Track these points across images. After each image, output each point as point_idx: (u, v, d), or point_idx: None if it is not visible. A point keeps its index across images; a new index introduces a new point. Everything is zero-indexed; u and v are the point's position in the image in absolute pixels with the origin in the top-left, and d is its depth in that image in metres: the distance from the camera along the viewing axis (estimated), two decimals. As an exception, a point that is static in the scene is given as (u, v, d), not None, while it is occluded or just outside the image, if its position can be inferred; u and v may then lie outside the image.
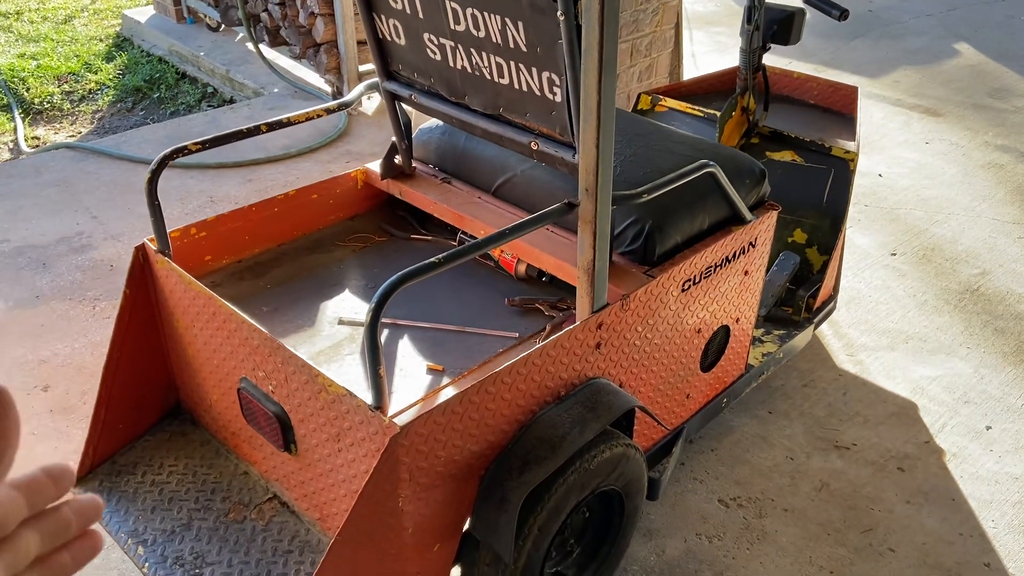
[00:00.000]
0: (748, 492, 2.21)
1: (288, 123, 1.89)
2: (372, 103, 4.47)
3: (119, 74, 5.07)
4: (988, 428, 2.44)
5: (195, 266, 1.98)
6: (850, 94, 2.72)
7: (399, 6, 1.76)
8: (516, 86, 1.64)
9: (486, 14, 1.57)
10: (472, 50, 1.67)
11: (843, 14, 2.10)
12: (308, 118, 1.93)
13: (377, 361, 1.34)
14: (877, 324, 2.87)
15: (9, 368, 2.56)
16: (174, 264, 1.76)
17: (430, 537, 1.52)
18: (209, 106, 4.72)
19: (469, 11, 1.60)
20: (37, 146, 4.27)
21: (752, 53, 2.41)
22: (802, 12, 2.36)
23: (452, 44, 1.71)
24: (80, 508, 0.56)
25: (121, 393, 1.90)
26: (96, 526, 0.54)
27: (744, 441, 2.37)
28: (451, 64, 1.76)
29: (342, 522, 1.36)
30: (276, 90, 4.57)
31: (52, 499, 0.54)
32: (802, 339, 2.45)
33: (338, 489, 1.60)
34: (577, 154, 1.52)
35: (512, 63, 1.61)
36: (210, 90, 4.89)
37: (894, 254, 3.28)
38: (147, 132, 4.17)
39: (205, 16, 5.22)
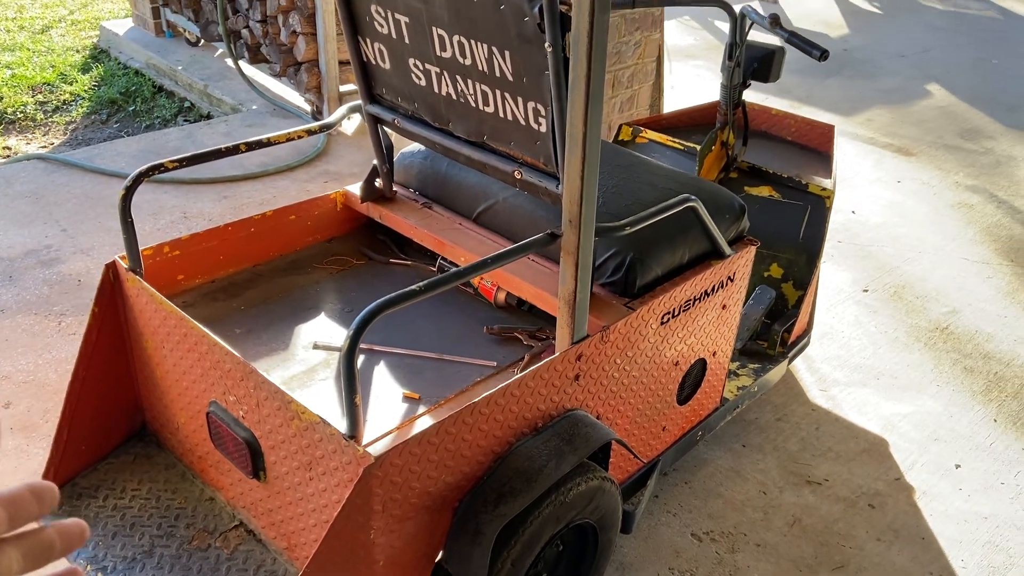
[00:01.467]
0: (721, 526, 2.19)
1: (268, 143, 1.87)
2: (351, 123, 4.46)
3: (95, 86, 5.01)
4: (957, 466, 2.46)
5: (167, 285, 1.94)
6: (827, 132, 2.76)
7: (385, 31, 1.75)
8: (501, 114, 1.63)
9: (473, 42, 1.57)
10: (457, 77, 1.67)
11: (823, 54, 2.13)
12: (289, 139, 1.91)
13: (353, 390, 1.31)
14: (849, 360, 2.89)
15: (-32, 383, 2.48)
16: (145, 283, 1.72)
17: (401, 570, 1.48)
18: (186, 121, 4.67)
19: (456, 38, 1.60)
20: (8, 156, 4.19)
21: (733, 89, 2.44)
22: (782, 50, 2.40)
23: (437, 70, 1.71)
24: (64, 530, 0.54)
25: (86, 413, 1.84)
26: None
27: (718, 475, 2.36)
28: (436, 90, 1.75)
29: (311, 552, 1.33)
30: (254, 107, 4.54)
31: (34, 516, 0.52)
32: (776, 373, 2.46)
33: (307, 518, 1.56)
34: (561, 184, 1.52)
35: (498, 91, 1.60)
36: (187, 105, 4.85)
37: (866, 290, 3.32)
38: (121, 145, 4.11)
39: (184, 30, 5.19)
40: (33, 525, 0.53)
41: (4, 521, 0.50)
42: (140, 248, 1.77)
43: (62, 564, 0.55)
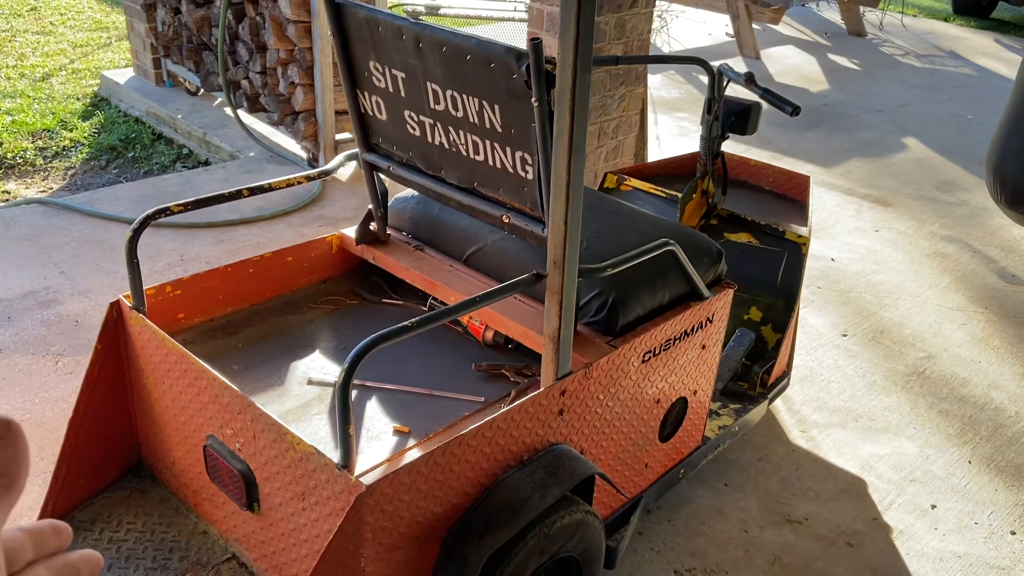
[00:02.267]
0: (703, 563, 2.24)
1: (269, 188, 1.97)
2: (346, 169, 4.58)
3: (94, 132, 5.13)
4: (933, 507, 2.52)
5: (168, 323, 2.01)
6: (803, 182, 2.88)
7: (382, 84, 1.86)
8: (491, 163, 1.74)
9: (465, 96, 1.68)
10: (450, 128, 1.78)
11: (795, 110, 2.26)
12: (289, 184, 2.01)
13: (347, 421, 1.38)
14: (829, 402, 2.97)
15: (-35, 420, 2.52)
16: (148, 321, 1.80)
17: (390, 598, 1.53)
18: (184, 167, 4.78)
19: (449, 92, 1.71)
20: (8, 200, 4.28)
21: (712, 141, 2.56)
22: (758, 105, 2.53)
23: (431, 122, 1.81)
24: (86, 558, 0.60)
25: (85, 447, 1.90)
26: None
27: (701, 513, 2.42)
28: (429, 140, 1.85)
29: (304, 581, 1.38)
30: (252, 154, 4.66)
31: (54, 548, 0.58)
32: (757, 413, 2.53)
33: (300, 549, 1.61)
34: (546, 228, 1.61)
35: (487, 142, 1.71)
36: (185, 151, 4.96)
37: (845, 335, 3.41)
38: (120, 190, 4.20)
39: (185, 80, 5.34)
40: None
41: (31, 549, 0.56)
42: (144, 287, 1.85)
43: None
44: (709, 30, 8.67)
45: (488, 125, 1.68)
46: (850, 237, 4.33)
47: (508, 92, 1.58)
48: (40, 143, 4.94)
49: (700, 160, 2.60)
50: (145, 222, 1.79)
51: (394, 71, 1.80)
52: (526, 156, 1.64)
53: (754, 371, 2.54)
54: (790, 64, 7.67)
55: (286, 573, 1.67)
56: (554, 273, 1.58)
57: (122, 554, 1.82)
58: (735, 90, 6.07)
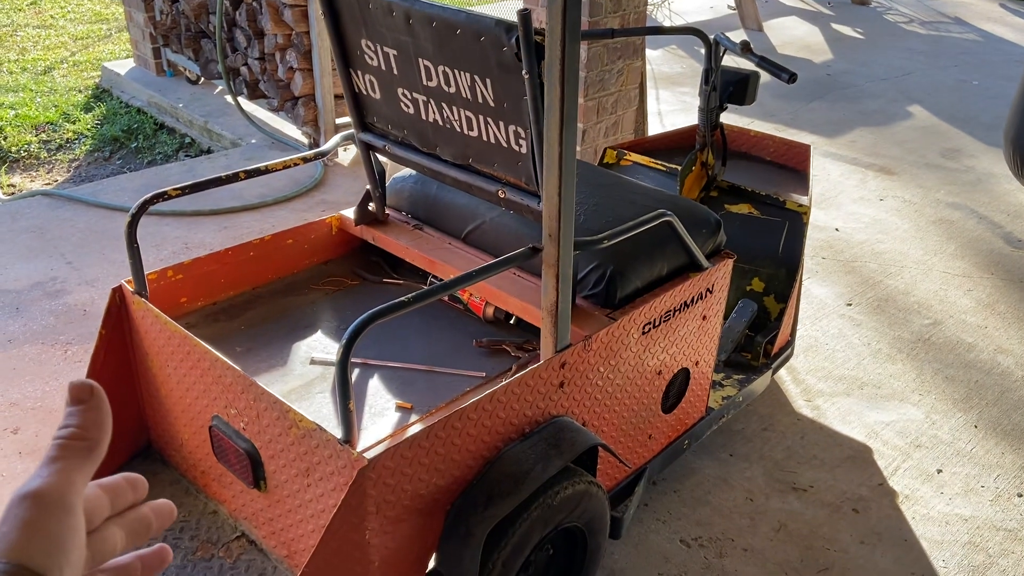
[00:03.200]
0: (709, 532, 2.26)
1: (267, 171, 1.97)
2: (348, 154, 4.58)
3: (97, 124, 5.14)
4: (939, 471, 2.53)
5: (171, 308, 2.03)
6: (803, 152, 2.86)
7: (375, 63, 1.86)
8: (484, 138, 1.74)
9: (457, 71, 1.68)
10: (443, 104, 1.78)
11: (792, 77, 2.24)
12: (286, 166, 2.02)
13: (347, 395, 1.40)
14: (833, 371, 2.97)
15: (-22, 410, 2.56)
16: (150, 305, 1.81)
17: (396, 571, 1.55)
18: (187, 156, 4.80)
19: (441, 68, 1.71)
20: (13, 193, 4.30)
21: (710, 112, 2.55)
22: (756, 75, 2.51)
23: (424, 99, 1.81)
24: (157, 509, 0.61)
25: (93, 432, 1.92)
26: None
27: (706, 483, 2.43)
28: (423, 117, 1.86)
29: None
30: (253, 141, 4.67)
31: (130, 502, 0.60)
32: (761, 384, 2.54)
33: (306, 525, 1.63)
34: (541, 202, 1.61)
35: (481, 117, 1.71)
36: (188, 140, 4.98)
37: (850, 304, 3.41)
38: (124, 180, 4.22)
39: (185, 69, 5.34)
40: None
41: (107, 506, 0.58)
42: (145, 272, 1.87)
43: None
44: (711, 3, 8.60)
45: (480, 100, 1.68)
46: (855, 207, 4.31)
47: (499, 65, 1.58)
48: (44, 136, 4.97)
49: (699, 132, 2.59)
50: (143, 207, 1.80)
51: (386, 48, 1.80)
52: (519, 130, 1.65)
53: (757, 341, 2.54)
54: (793, 35, 7.60)
55: (294, 549, 1.70)
56: (550, 246, 1.59)
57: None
58: (734, 62, 6.03)
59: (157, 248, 3.55)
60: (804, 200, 2.63)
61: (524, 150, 1.67)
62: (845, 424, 2.71)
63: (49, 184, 4.44)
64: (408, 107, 1.88)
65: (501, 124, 1.68)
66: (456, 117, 1.77)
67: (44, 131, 5.02)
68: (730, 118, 5.45)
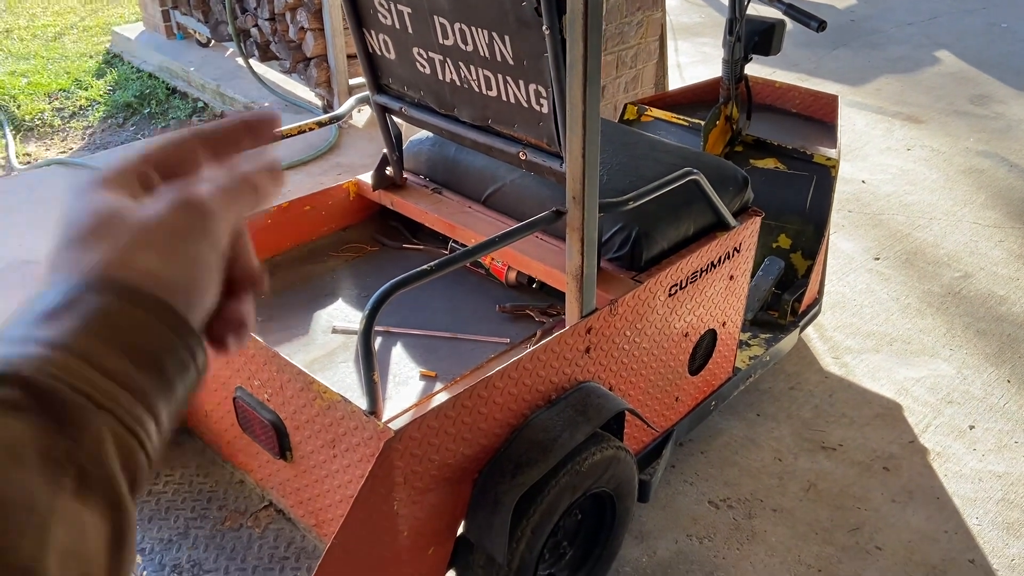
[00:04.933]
0: (737, 493, 2.24)
1: (281, 136, 1.93)
2: (362, 116, 4.52)
3: (109, 90, 5.10)
4: (971, 427, 2.48)
5: (190, 278, 2.01)
6: (831, 102, 2.77)
7: (389, 22, 1.80)
8: (504, 98, 1.68)
9: (474, 28, 1.62)
10: (460, 63, 1.72)
11: (821, 25, 2.16)
12: (300, 131, 1.97)
13: (371, 367, 1.37)
14: (862, 327, 2.92)
15: None
16: (170, 276, 1.79)
17: (425, 540, 1.55)
18: (200, 120, 4.75)
19: (457, 26, 1.65)
20: (29, 163, 4.29)
21: (734, 64, 2.46)
22: (782, 23, 2.42)
23: (441, 58, 1.75)
24: (270, 166, 0.47)
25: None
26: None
27: (733, 443, 2.41)
28: (440, 77, 1.80)
29: (337, 527, 1.39)
30: (266, 104, 4.61)
31: (244, 148, 0.48)
32: (788, 342, 2.50)
33: (333, 495, 1.63)
34: (564, 163, 1.56)
35: (499, 76, 1.65)
36: (200, 105, 4.92)
37: (877, 258, 3.33)
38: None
39: (195, 32, 5.26)
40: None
41: (201, 153, 0.46)
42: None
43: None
44: (729, -51, 8.34)
45: (499, 58, 1.62)
46: (881, 157, 4.21)
47: (518, 21, 1.51)
48: (57, 103, 4.93)
49: (723, 85, 2.51)
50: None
51: (400, 6, 1.73)
52: (540, 89, 1.59)
53: (784, 299, 2.49)
54: (815, -20, 7.37)
55: (322, 518, 1.69)
56: (574, 209, 1.54)
57: (162, 506, 1.86)
58: (757, 9, 5.86)
59: (174, 216, 3.53)
60: (832, 153, 2.55)
61: (545, 110, 1.61)
62: (874, 381, 2.66)
63: (64, 152, 4.42)
64: (424, 67, 1.82)
65: (521, 83, 1.62)
66: (474, 77, 1.71)
67: (57, 99, 4.99)
68: (751, 69, 5.31)
